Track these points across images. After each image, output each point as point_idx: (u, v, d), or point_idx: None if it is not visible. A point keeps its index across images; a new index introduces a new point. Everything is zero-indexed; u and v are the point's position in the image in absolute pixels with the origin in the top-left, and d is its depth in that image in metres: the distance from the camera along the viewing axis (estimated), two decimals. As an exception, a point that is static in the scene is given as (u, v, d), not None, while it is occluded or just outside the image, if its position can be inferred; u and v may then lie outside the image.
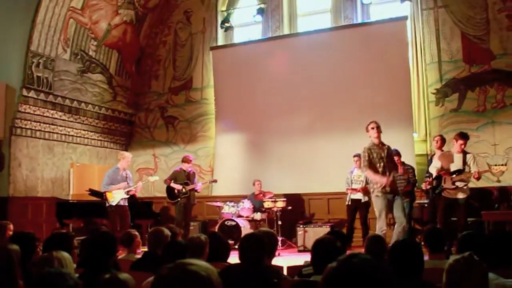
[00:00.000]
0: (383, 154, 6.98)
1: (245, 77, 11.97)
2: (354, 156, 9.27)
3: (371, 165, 6.92)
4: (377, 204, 6.93)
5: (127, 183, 9.04)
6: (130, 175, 9.32)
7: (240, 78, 12.02)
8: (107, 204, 8.92)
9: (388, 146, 7.16)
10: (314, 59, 11.32)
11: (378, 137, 7.05)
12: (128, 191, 9.02)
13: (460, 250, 3.68)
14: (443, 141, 8.14)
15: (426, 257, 3.18)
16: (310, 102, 11.22)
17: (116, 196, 8.87)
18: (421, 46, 10.65)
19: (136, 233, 5.26)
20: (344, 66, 11.08)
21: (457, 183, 7.26)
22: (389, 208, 6.93)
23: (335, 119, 10.90)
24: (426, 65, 10.59)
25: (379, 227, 6.84)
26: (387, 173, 6.88)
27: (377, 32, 10.89)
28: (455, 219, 7.47)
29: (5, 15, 10.21)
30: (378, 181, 6.87)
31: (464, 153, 7.40)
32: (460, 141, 7.41)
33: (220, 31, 12.63)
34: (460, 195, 7.31)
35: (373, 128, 7.08)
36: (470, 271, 2.18)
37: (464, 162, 7.30)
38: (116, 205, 8.84)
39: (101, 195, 9.64)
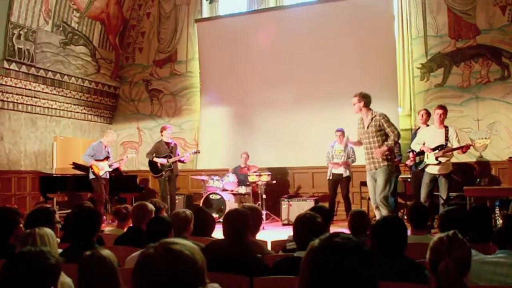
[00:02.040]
0: None
1: (230, 50, 11.87)
2: (337, 131, 9.30)
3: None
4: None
5: (109, 158, 9.36)
6: (111, 152, 9.67)
7: (225, 51, 11.92)
8: (91, 176, 9.02)
9: None
10: (300, 32, 11.26)
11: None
12: (110, 165, 9.29)
13: (442, 226, 3.73)
14: (428, 115, 8.19)
15: (408, 232, 3.21)
16: (295, 76, 11.18)
17: (104, 168, 9.13)
18: (407, 20, 10.62)
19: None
20: (330, 40, 11.02)
21: (440, 159, 7.31)
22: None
23: (320, 93, 10.89)
24: (412, 39, 10.58)
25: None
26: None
27: (364, 5, 10.82)
28: (437, 194, 7.55)
29: (-16, -15, 9.97)
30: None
31: (446, 128, 7.43)
32: (438, 110, 7.44)
33: (205, 3, 12.48)
34: (443, 170, 7.38)
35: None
36: (451, 248, 2.20)
37: (446, 137, 7.34)
38: (102, 176, 9.08)
39: (85, 169, 9.62)
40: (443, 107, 7.53)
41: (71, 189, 10.31)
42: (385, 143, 6.64)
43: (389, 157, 6.75)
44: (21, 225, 3.92)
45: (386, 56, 10.51)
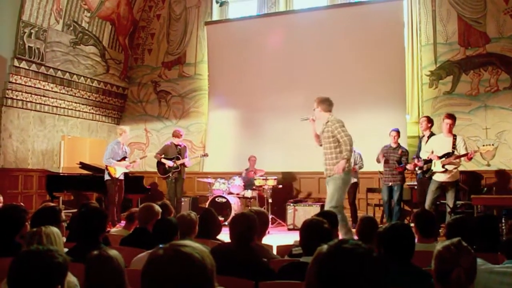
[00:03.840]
0: None
1: (240, 53, 11.88)
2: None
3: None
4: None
5: (126, 158, 9.20)
6: (128, 150, 9.53)
7: (235, 54, 11.94)
8: (106, 177, 8.95)
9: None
10: (310, 37, 11.26)
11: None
12: (127, 166, 9.17)
13: (449, 234, 3.71)
14: (429, 121, 8.12)
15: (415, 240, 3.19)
16: (303, 81, 11.17)
17: (118, 170, 9.00)
18: (416, 27, 10.61)
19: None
20: (339, 45, 11.02)
21: (447, 166, 7.29)
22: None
23: (329, 98, 10.86)
24: (421, 46, 10.56)
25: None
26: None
27: (374, 11, 10.81)
28: (444, 202, 7.52)
29: (-4, -16, 10.05)
30: None
31: (454, 136, 7.41)
32: (447, 120, 7.41)
33: (215, 6, 12.51)
34: (450, 179, 7.35)
35: None
36: (459, 257, 2.19)
37: (454, 145, 7.32)
38: (118, 178, 8.98)
39: (92, 168, 9.65)
40: (452, 117, 7.49)
41: (77, 188, 10.34)
42: (342, 155, 6.27)
43: (335, 162, 6.36)
44: (27, 224, 3.93)
45: (395, 63, 10.49)
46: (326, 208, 6.25)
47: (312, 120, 6.83)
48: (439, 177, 7.38)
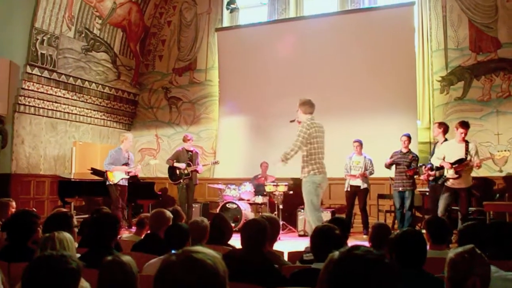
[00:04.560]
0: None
1: (250, 60, 11.91)
2: (354, 141, 9.29)
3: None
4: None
5: (129, 165, 9.15)
6: (132, 157, 9.51)
7: (245, 60, 11.96)
8: (107, 183, 9.04)
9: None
10: (320, 43, 11.26)
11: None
12: (128, 172, 9.18)
13: (461, 241, 3.68)
14: (441, 127, 8.03)
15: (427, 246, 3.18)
16: (314, 87, 11.14)
17: (117, 176, 9.04)
18: (427, 33, 10.58)
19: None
20: (350, 51, 11.01)
21: (460, 173, 7.26)
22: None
23: (339, 104, 10.84)
24: (432, 52, 10.53)
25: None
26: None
27: (384, 17, 10.79)
28: (455, 208, 7.48)
29: (10, -9, 10.16)
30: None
31: (466, 142, 7.38)
32: (461, 130, 7.37)
33: (226, 13, 12.53)
34: (462, 185, 7.31)
35: None
36: (473, 265, 2.18)
37: (466, 152, 7.29)
38: (117, 183, 8.99)
39: (103, 174, 9.70)
40: (465, 126, 7.43)
41: (89, 194, 10.39)
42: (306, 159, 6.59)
43: (303, 166, 6.69)
44: (39, 229, 3.95)
45: (406, 68, 10.46)
46: (306, 211, 6.61)
47: (298, 121, 7.01)
48: (452, 184, 7.35)
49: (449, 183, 7.36)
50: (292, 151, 6.68)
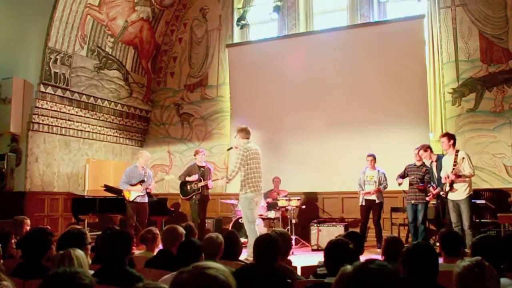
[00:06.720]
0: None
1: (261, 75, 11.95)
2: (368, 156, 9.24)
3: None
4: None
5: (145, 181, 9.17)
6: (150, 173, 9.52)
7: (256, 75, 12.00)
8: (125, 201, 9.12)
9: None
10: (330, 57, 11.27)
11: None
12: (140, 190, 9.19)
13: (474, 253, 3.65)
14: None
15: (441, 260, 3.16)
16: (325, 101, 11.18)
17: (133, 193, 9.08)
18: (438, 45, 10.57)
19: (158, 232, 5.29)
20: (360, 65, 11.02)
21: (454, 185, 7.37)
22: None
23: (351, 118, 10.84)
24: (443, 64, 10.50)
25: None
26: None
27: (394, 30, 10.80)
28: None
29: (23, 12, 10.34)
30: None
31: (457, 152, 7.49)
32: (442, 139, 7.70)
33: (236, 29, 12.63)
34: (461, 196, 7.37)
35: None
36: (482, 277, 2.16)
37: (455, 162, 7.37)
38: (133, 201, 9.00)
39: (116, 191, 9.76)
40: (446, 135, 7.78)
41: (102, 211, 10.42)
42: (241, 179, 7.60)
43: (241, 184, 7.61)
44: (53, 246, 3.98)
45: (417, 81, 10.44)
46: (245, 225, 7.58)
47: (235, 147, 7.93)
48: (451, 196, 7.56)
49: (449, 196, 7.54)
50: (233, 172, 7.68)
